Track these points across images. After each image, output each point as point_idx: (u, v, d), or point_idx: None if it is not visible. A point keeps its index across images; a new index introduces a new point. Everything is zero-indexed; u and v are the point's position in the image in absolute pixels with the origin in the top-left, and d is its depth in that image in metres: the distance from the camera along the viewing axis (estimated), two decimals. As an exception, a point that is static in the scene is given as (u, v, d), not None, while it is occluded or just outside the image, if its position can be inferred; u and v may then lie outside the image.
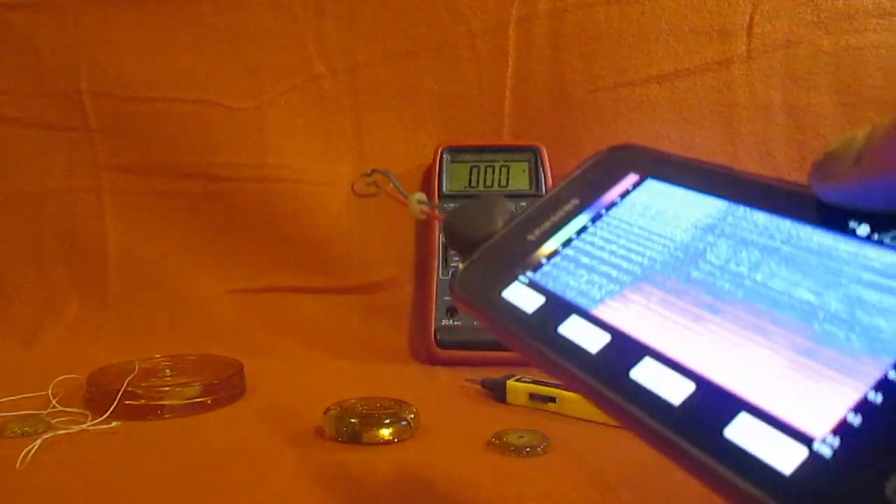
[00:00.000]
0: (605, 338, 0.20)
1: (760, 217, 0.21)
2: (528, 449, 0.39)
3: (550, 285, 0.23)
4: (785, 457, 0.15)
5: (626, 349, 0.20)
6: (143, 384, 0.47)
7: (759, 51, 0.67)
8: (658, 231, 0.23)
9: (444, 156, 0.66)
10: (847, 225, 0.19)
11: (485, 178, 0.66)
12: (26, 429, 0.42)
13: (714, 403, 0.17)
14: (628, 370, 0.19)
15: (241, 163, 0.71)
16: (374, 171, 0.38)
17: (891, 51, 0.65)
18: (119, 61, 0.71)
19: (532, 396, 0.47)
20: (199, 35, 0.71)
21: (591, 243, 0.24)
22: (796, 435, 0.15)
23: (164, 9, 0.71)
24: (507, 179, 0.65)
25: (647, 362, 0.19)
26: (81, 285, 0.70)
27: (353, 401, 0.44)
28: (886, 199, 0.18)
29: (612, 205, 0.25)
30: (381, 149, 0.71)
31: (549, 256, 0.24)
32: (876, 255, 0.18)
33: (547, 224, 0.26)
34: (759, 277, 0.20)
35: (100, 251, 0.71)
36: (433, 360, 0.61)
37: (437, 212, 0.32)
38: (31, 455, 0.38)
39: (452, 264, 0.63)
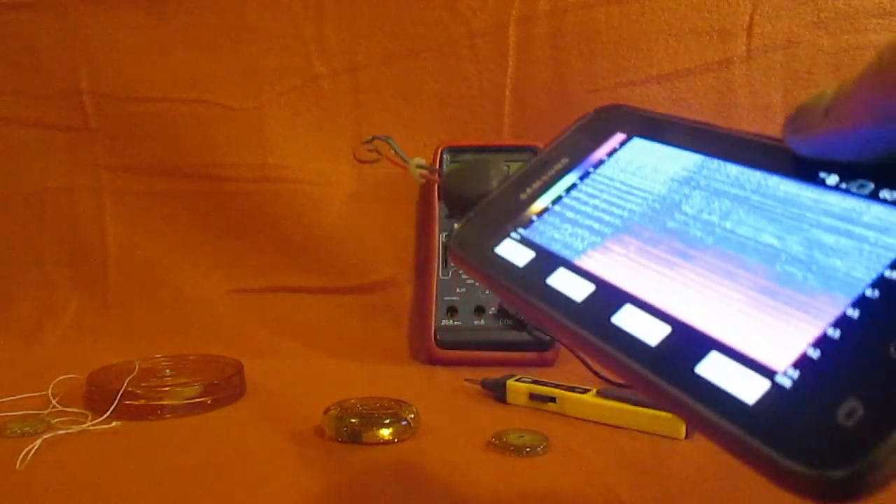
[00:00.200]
0: (590, 287, 0.22)
1: (733, 169, 0.23)
2: (528, 449, 0.39)
3: (540, 240, 0.24)
4: (749, 389, 0.16)
5: (608, 297, 0.21)
6: (143, 384, 0.47)
7: (759, 51, 0.67)
8: (639, 185, 0.24)
9: (444, 156, 0.66)
10: (814, 174, 0.20)
11: (485, 178, 0.66)
12: (26, 429, 0.42)
13: (687, 344, 0.18)
14: (610, 316, 0.20)
15: (241, 163, 0.71)
16: (374, 137, 0.39)
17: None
18: (119, 61, 0.71)
19: (532, 396, 0.47)
20: (199, 35, 0.71)
21: (579, 200, 0.25)
22: (760, 369, 0.17)
23: (164, 9, 0.71)
24: (507, 179, 0.65)
25: (628, 308, 0.20)
26: (81, 285, 0.70)
27: (353, 401, 0.44)
28: (854, 149, 0.19)
29: (599, 163, 0.26)
30: (381, 149, 0.71)
31: (540, 213, 0.26)
32: (835, 201, 0.20)
33: (538, 183, 0.27)
34: (728, 225, 0.21)
35: (100, 251, 0.71)
36: (433, 360, 0.61)
37: (435, 176, 0.33)
38: (31, 455, 0.38)
39: (452, 264, 0.63)
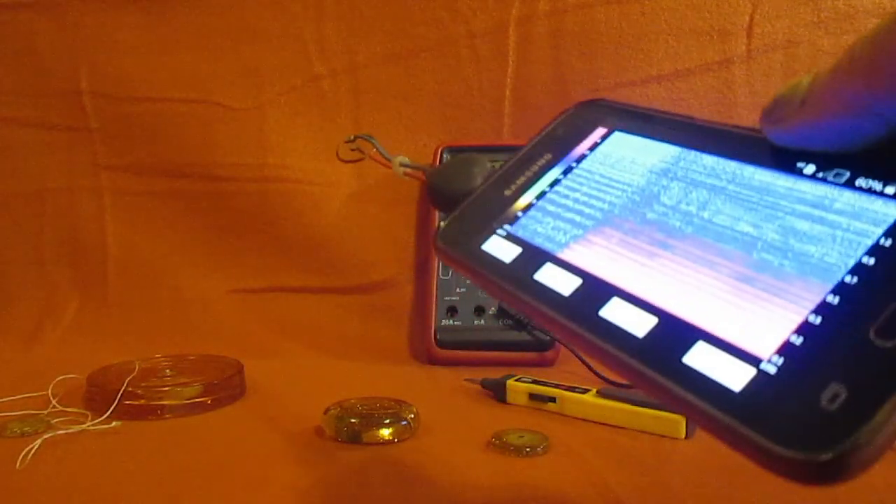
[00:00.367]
0: (577, 281, 0.22)
1: (709, 160, 0.23)
2: (528, 449, 0.39)
3: (525, 236, 0.25)
4: (735, 376, 0.17)
5: (595, 290, 0.21)
6: (143, 384, 0.47)
7: (759, 51, 0.67)
8: (619, 178, 0.25)
9: (444, 156, 0.66)
10: (789, 163, 0.21)
11: (485, 178, 0.66)
12: (26, 429, 0.42)
13: (674, 334, 0.19)
14: (598, 309, 0.20)
15: (241, 163, 0.71)
16: (356, 136, 0.39)
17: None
18: (119, 61, 0.71)
19: (532, 396, 0.47)
20: (199, 35, 0.71)
21: (562, 194, 0.26)
22: (745, 357, 0.17)
23: (164, 9, 0.71)
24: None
25: (615, 301, 0.21)
26: (81, 285, 0.70)
27: (353, 401, 0.44)
28: (829, 139, 0.20)
29: (582, 157, 0.27)
30: (381, 149, 0.71)
31: (525, 209, 0.26)
32: (809, 189, 0.20)
33: (522, 179, 0.27)
34: (706, 215, 0.22)
35: (100, 251, 0.71)
36: (433, 360, 0.61)
37: (420, 173, 0.33)
38: (31, 455, 0.38)
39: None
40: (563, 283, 0.22)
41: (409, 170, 0.34)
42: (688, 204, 0.22)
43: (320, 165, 0.70)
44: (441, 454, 0.39)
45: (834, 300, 0.17)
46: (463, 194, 0.28)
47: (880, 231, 0.18)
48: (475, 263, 0.25)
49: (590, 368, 0.52)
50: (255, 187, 0.70)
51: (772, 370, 0.16)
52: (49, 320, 0.68)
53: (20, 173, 0.72)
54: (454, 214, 0.27)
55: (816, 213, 0.19)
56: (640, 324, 0.19)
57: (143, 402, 0.46)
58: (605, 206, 0.24)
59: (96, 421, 0.44)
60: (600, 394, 0.44)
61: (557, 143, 0.28)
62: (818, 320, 0.17)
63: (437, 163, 0.66)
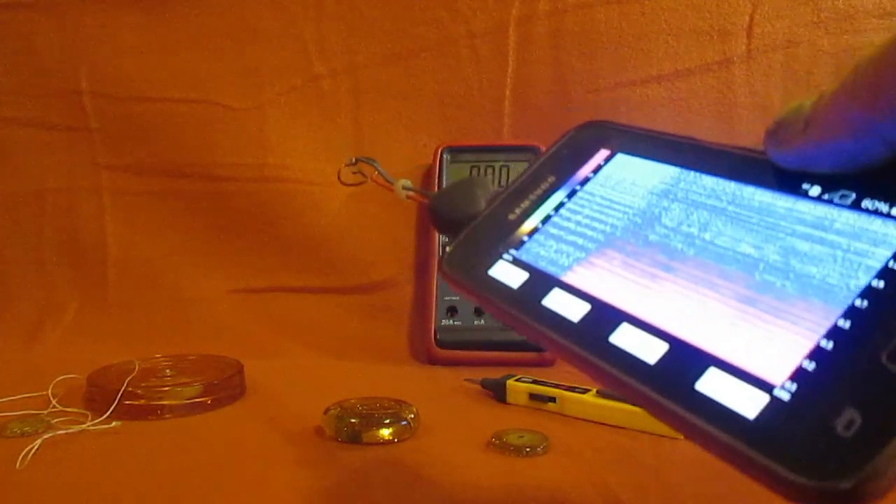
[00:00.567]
0: (585, 307, 0.22)
1: (709, 181, 0.23)
2: (528, 449, 0.39)
3: (532, 261, 0.25)
4: (749, 403, 0.17)
5: (604, 316, 0.21)
6: (143, 384, 0.47)
7: (759, 51, 0.67)
8: (621, 201, 0.25)
9: (444, 156, 0.66)
10: (791, 184, 0.21)
11: (485, 178, 0.66)
12: (26, 429, 0.42)
13: (685, 360, 0.19)
14: (608, 336, 0.20)
15: (241, 163, 0.71)
16: (358, 159, 0.38)
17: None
18: (119, 61, 0.71)
19: (532, 396, 0.47)
20: (199, 35, 0.71)
21: (568, 218, 0.26)
22: (758, 383, 0.17)
23: (164, 9, 0.71)
24: (507, 179, 0.65)
25: (624, 327, 0.20)
26: (81, 285, 0.70)
27: (353, 401, 0.44)
28: (834, 161, 0.20)
29: (586, 180, 0.26)
30: (381, 149, 0.71)
31: (531, 234, 0.26)
32: (808, 210, 0.20)
33: (526, 202, 0.27)
34: (707, 236, 0.22)
35: (100, 251, 0.71)
36: (433, 360, 0.61)
37: (422, 197, 0.33)
38: (31, 455, 0.38)
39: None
40: (571, 308, 0.22)
41: (411, 193, 0.34)
42: (689, 226, 0.22)
43: (320, 165, 0.70)
44: (441, 454, 0.39)
45: (845, 324, 0.17)
46: (467, 218, 0.28)
47: (889, 254, 0.18)
48: (482, 289, 0.25)
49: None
50: (255, 187, 0.70)
51: (785, 396, 0.16)
52: (49, 320, 0.68)
53: (20, 173, 0.72)
54: (459, 239, 0.27)
55: (820, 234, 0.19)
56: (650, 350, 0.19)
57: (143, 402, 0.46)
58: (608, 229, 0.24)
59: (96, 421, 0.44)
60: (600, 394, 0.44)
61: (561, 165, 0.27)
62: (830, 345, 0.17)
63: (438, 164, 0.66)
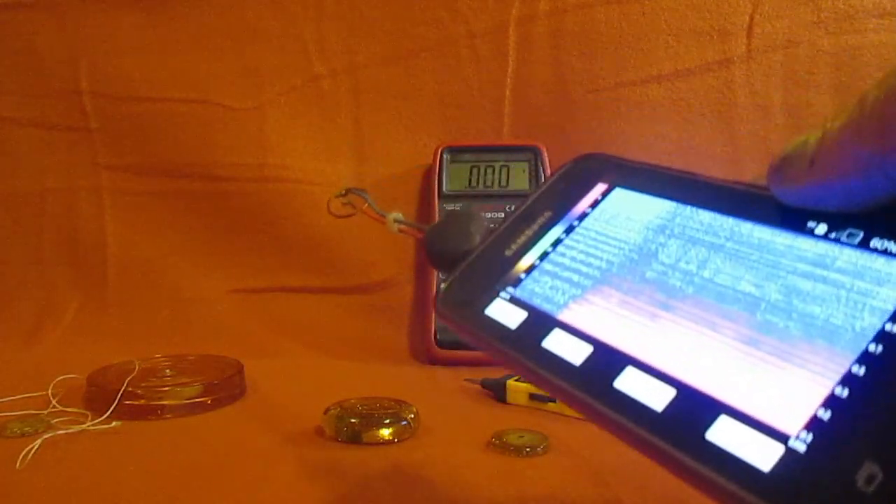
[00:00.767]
0: (587, 349, 0.21)
1: (706, 216, 0.23)
2: (528, 449, 0.39)
3: (530, 299, 0.24)
4: (764, 455, 0.16)
5: (607, 359, 0.20)
6: (143, 384, 0.47)
7: (759, 51, 0.67)
8: (619, 237, 0.24)
9: (444, 156, 0.66)
10: (790, 221, 0.20)
11: (485, 178, 0.66)
12: (26, 429, 0.42)
13: (694, 408, 0.18)
14: (612, 381, 0.19)
15: (241, 163, 0.71)
16: (348, 190, 0.37)
17: (891, 51, 0.65)
18: (119, 61, 0.71)
19: (532, 396, 0.47)
20: (199, 35, 0.71)
21: (566, 255, 0.25)
22: (772, 433, 0.16)
23: (164, 9, 0.71)
24: (507, 179, 0.65)
25: (629, 371, 0.19)
26: (81, 285, 0.70)
27: (353, 401, 0.44)
28: (841, 200, 0.19)
29: (583, 215, 0.26)
30: (381, 149, 0.71)
31: (528, 271, 0.25)
32: (808, 247, 0.19)
33: (523, 238, 0.26)
34: (706, 274, 0.21)
35: (100, 251, 0.71)
36: (433, 360, 0.61)
37: (415, 231, 0.32)
38: (31, 455, 0.38)
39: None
40: (573, 351, 0.21)
41: (404, 226, 0.33)
42: (687, 262, 0.22)
43: (320, 165, 0.70)
44: (441, 454, 0.39)
45: (860, 371, 0.16)
46: (461, 254, 0.27)
47: None
48: (479, 329, 0.24)
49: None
50: (255, 187, 0.70)
51: (801, 448, 0.16)
52: (49, 320, 0.68)
53: (20, 173, 0.72)
54: (454, 276, 0.26)
55: (818, 271, 0.19)
56: (657, 396, 0.18)
57: (143, 402, 0.46)
58: (605, 265, 0.23)
59: (96, 421, 0.44)
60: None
61: (557, 199, 0.27)
62: (845, 393, 0.16)
63: (438, 164, 0.66)
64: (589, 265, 0.24)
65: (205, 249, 0.71)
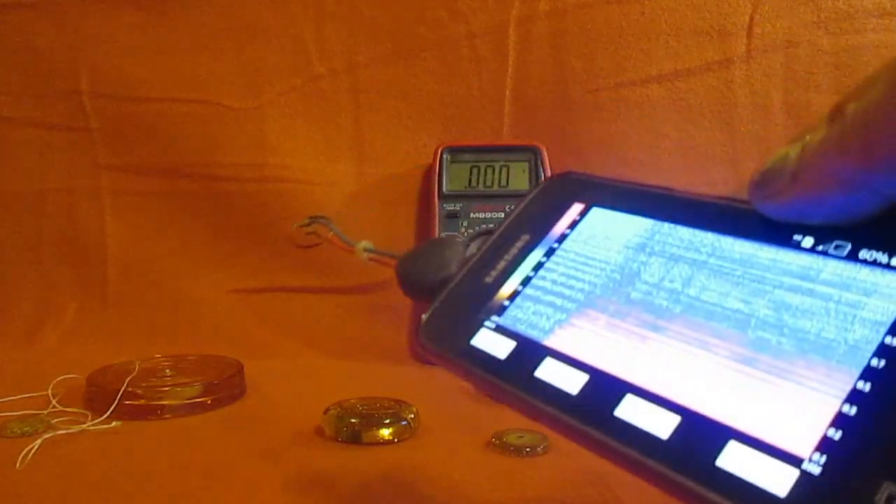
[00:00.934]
0: (583, 377, 0.20)
1: (685, 232, 0.22)
2: (528, 449, 0.39)
3: (517, 328, 0.23)
4: (778, 480, 0.15)
5: (605, 387, 0.20)
6: (143, 384, 0.47)
7: (759, 51, 0.67)
8: (599, 257, 0.23)
9: (444, 156, 0.66)
10: (773, 235, 0.20)
11: (485, 178, 0.66)
12: (26, 429, 0.42)
13: (701, 434, 0.17)
14: (612, 409, 0.19)
15: (241, 163, 0.70)
16: (312, 219, 0.36)
17: (891, 51, 0.65)
18: (119, 61, 0.71)
19: (532, 396, 0.47)
20: (199, 35, 0.71)
21: (549, 279, 0.24)
22: (785, 457, 0.16)
23: (164, 9, 0.71)
24: (507, 179, 0.65)
25: (629, 399, 0.19)
26: (81, 285, 0.70)
27: (353, 401, 0.44)
28: (825, 214, 0.19)
29: (563, 237, 0.25)
30: (381, 149, 0.71)
31: (511, 297, 0.24)
32: (792, 259, 0.19)
33: (502, 264, 0.25)
34: (692, 291, 0.20)
35: (100, 251, 0.71)
36: (433, 360, 0.61)
37: (388, 260, 0.31)
38: (31, 455, 0.38)
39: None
40: (568, 380, 0.20)
41: (374, 255, 0.32)
42: (671, 281, 0.21)
43: (320, 165, 0.70)
44: (441, 454, 0.39)
45: (865, 387, 0.16)
46: (439, 282, 0.26)
47: None
48: (467, 362, 0.23)
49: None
50: (255, 187, 0.70)
51: (815, 470, 0.15)
52: (49, 320, 0.68)
53: (20, 173, 0.72)
54: (435, 306, 0.25)
55: (805, 284, 0.18)
56: (661, 423, 0.18)
57: (143, 402, 0.46)
58: (590, 288, 0.23)
59: (96, 421, 0.44)
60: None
61: (534, 222, 0.26)
62: (853, 411, 0.16)
63: (438, 164, 0.66)
64: (571, 288, 0.23)
65: (205, 249, 0.70)
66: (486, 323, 0.23)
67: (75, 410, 0.45)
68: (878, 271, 0.18)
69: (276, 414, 0.46)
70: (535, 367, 0.21)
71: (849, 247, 0.18)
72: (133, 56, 0.71)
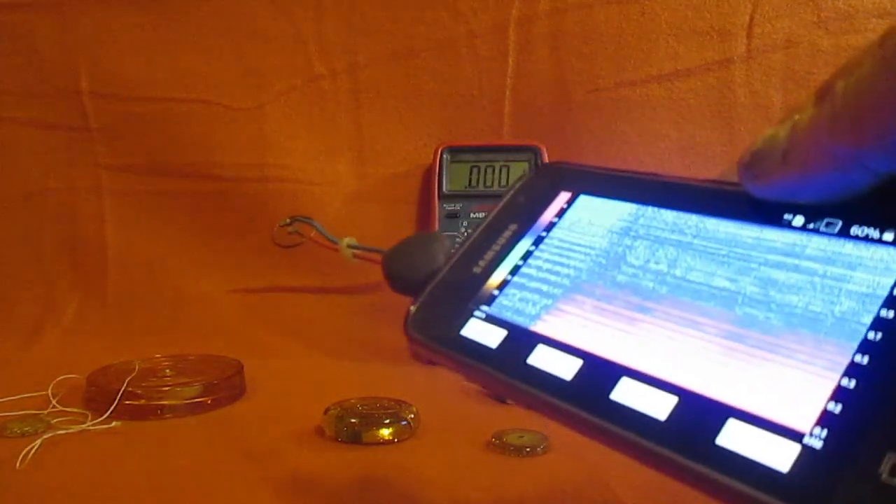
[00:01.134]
0: (576, 363, 0.20)
1: (669, 215, 0.22)
2: (528, 449, 0.39)
3: (508, 316, 0.23)
4: (780, 456, 0.15)
5: (599, 371, 0.19)
6: (143, 384, 0.47)
7: (759, 51, 0.67)
8: (585, 243, 0.23)
9: (444, 156, 0.66)
10: (759, 214, 0.20)
11: (485, 178, 0.66)
12: (26, 429, 0.42)
13: (699, 413, 0.17)
14: (608, 393, 0.19)
15: (242, 163, 0.71)
16: (293, 219, 0.36)
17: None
18: (119, 61, 0.71)
19: (532, 396, 0.47)
20: (199, 35, 0.71)
21: (539, 267, 0.24)
22: (785, 432, 0.16)
23: (164, 9, 0.71)
24: (507, 179, 0.65)
25: (625, 382, 0.19)
26: (81, 285, 0.70)
27: (353, 401, 0.44)
28: (816, 192, 0.19)
29: (551, 225, 0.25)
30: (381, 149, 0.71)
31: (500, 287, 0.24)
32: (776, 237, 0.19)
33: (490, 254, 0.25)
34: (678, 272, 0.21)
35: (100, 251, 0.71)
36: (433, 360, 0.61)
37: (373, 255, 0.30)
38: (31, 455, 0.38)
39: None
40: (561, 365, 0.20)
41: (359, 252, 0.32)
42: (657, 262, 0.21)
43: (320, 165, 0.70)
44: (441, 454, 0.39)
45: (863, 360, 0.16)
46: (426, 276, 0.25)
47: (892, 281, 0.17)
48: (457, 352, 0.23)
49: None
50: (255, 187, 0.70)
51: (817, 444, 0.15)
52: (49, 320, 0.68)
53: (20, 173, 0.72)
54: (422, 299, 0.25)
55: (790, 261, 0.19)
56: (659, 405, 0.18)
57: (143, 402, 0.46)
58: (576, 274, 0.23)
59: (96, 421, 0.44)
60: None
61: (521, 211, 0.26)
62: (852, 384, 0.16)
63: (438, 164, 0.66)
64: (557, 274, 0.23)
65: (205, 249, 0.71)
66: (476, 313, 0.23)
67: (75, 410, 0.45)
68: (862, 245, 0.18)
69: (276, 414, 0.46)
70: (528, 355, 0.21)
71: (840, 224, 0.19)
72: (133, 56, 0.71)
